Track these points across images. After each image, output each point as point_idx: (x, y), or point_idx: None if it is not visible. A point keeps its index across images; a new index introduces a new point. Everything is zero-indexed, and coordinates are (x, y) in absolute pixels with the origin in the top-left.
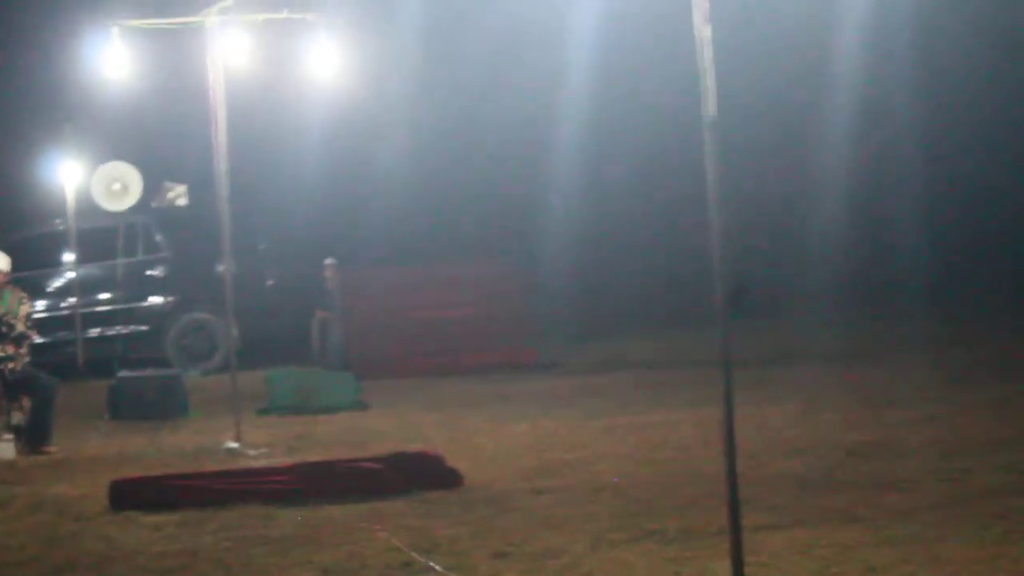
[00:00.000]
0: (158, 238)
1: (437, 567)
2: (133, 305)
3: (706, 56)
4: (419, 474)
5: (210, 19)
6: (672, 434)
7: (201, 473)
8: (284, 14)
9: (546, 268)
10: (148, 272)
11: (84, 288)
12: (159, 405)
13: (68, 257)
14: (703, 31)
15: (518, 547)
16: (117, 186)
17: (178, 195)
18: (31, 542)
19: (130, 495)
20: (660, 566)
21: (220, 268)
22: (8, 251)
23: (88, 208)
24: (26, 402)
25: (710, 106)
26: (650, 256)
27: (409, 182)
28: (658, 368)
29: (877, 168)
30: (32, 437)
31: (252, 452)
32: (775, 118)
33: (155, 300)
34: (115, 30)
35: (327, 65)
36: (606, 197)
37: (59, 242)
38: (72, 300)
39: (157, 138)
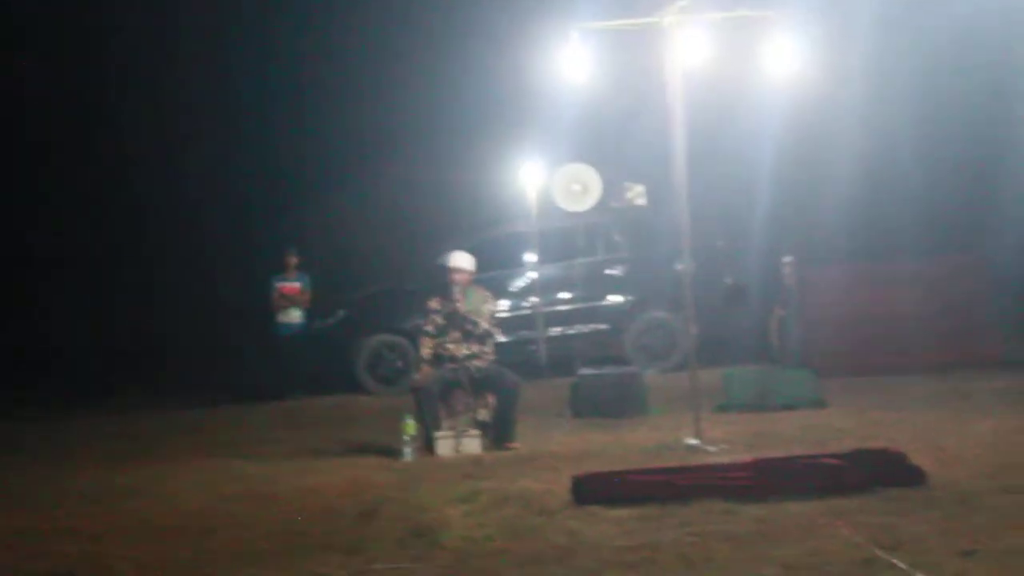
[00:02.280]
0: (617, 238)
1: (901, 564)
2: (593, 304)
3: None
4: (880, 471)
5: (667, 18)
6: None
7: (662, 468)
8: (743, 12)
9: (1005, 262)
10: (608, 272)
11: (546, 288)
12: (619, 402)
13: (530, 257)
14: None
15: (986, 546)
16: (577, 187)
17: (637, 195)
18: (498, 535)
19: (592, 490)
20: None
21: (679, 267)
22: (473, 252)
23: (549, 209)
24: (491, 399)
25: None
26: None
27: (864, 179)
28: None
29: None
30: (497, 433)
31: (712, 448)
32: None
33: (615, 299)
34: (574, 34)
35: (785, 63)
36: None
37: (521, 243)
38: (534, 300)
39: (615, 139)
